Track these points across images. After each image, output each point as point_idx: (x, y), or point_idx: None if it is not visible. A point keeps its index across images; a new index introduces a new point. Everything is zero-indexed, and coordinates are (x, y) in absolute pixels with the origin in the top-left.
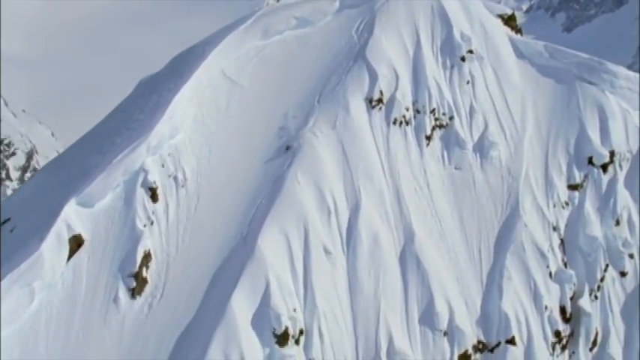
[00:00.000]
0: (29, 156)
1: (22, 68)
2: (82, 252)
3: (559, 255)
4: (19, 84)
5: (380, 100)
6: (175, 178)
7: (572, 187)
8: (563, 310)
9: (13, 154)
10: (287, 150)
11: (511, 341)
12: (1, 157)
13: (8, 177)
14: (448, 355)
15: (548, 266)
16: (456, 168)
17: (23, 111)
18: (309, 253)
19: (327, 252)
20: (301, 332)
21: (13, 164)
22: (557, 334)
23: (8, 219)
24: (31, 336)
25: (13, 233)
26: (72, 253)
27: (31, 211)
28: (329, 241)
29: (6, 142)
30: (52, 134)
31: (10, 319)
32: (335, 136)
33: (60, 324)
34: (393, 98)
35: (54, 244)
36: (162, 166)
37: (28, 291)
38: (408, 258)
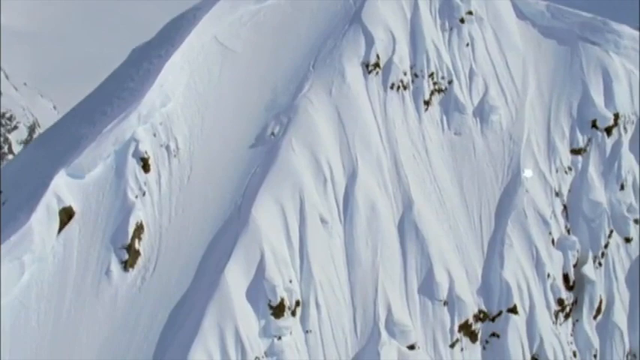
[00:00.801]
0: (31, 130)
1: (23, 41)
2: (72, 224)
3: (562, 221)
4: (21, 57)
5: (377, 65)
6: (167, 148)
7: (575, 152)
8: (566, 277)
9: (15, 127)
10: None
11: (513, 310)
12: (3, 131)
13: (11, 151)
14: (448, 325)
15: (550, 233)
16: (455, 133)
17: (25, 84)
18: (305, 222)
19: (323, 221)
20: (297, 303)
21: (16, 138)
22: (560, 302)
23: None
24: (22, 311)
25: (6, 206)
26: (62, 225)
27: (21, 184)
28: (325, 210)
29: (7, 115)
30: (54, 107)
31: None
32: (330, 102)
33: (51, 298)
34: (390, 62)
35: (44, 217)
36: (154, 135)
37: (18, 265)
38: (407, 226)
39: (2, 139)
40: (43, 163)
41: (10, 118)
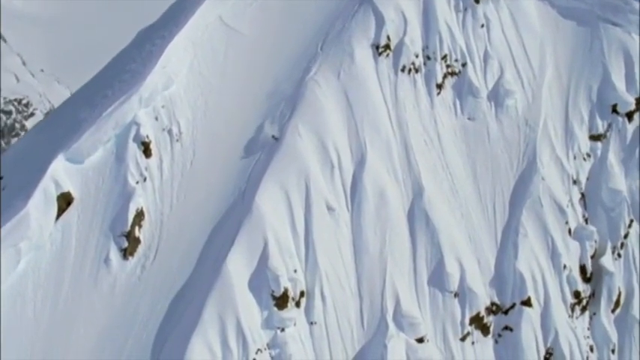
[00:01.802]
0: (48, 116)
1: (41, 27)
2: (71, 210)
3: (579, 210)
4: (38, 43)
5: (387, 47)
6: (170, 132)
7: (595, 138)
8: (583, 269)
9: (32, 114)
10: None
11: (527, 302)
12: (20, 117)
13: None
14: (459, 318)
15: (567, 222)
16: (469, 118)
17: (42, 70)
18: (311, 210)
19: (329, 209)
20: (302, 294)
21: (32, 124)
22: (577, 294)
23: (0, 177)
24: (18, 299)
25: (5, 192)
26: (60, 212)
27: (19, 169)
28: (332, 198)
29: (24, 102)
30: (71, 94)
31: None
32: (339, 85)
33: (48, 287)
34: (401, 44)
35: (41, 203)
36: (156, 119)
37: (14, 252)
38: (417, 215)
39: (19, 125)
40: (42, 148)
41: (26, 105)
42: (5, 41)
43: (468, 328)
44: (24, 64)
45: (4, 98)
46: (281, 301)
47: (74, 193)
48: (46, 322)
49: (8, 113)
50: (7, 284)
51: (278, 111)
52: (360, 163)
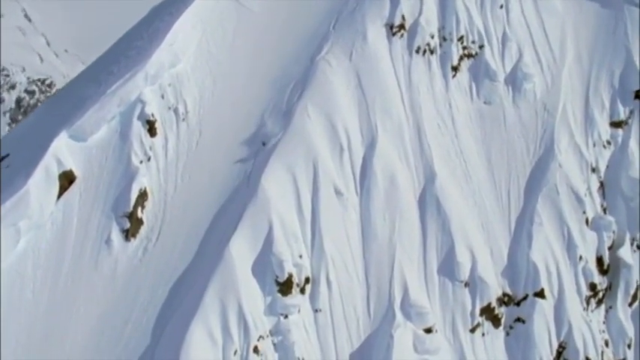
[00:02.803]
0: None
1: (66, 7)
2: (73, 189)
3: (597, 199)
4: (62, 24)
5: (402, 27)
6: (176, 111)
7: (616, 125)
8: (600, 260)
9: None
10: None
11: (540, 294)
12: (43, 97)
13: None
14: (469, 309)
15: (584, 212)
16: (485, 102)
17: (66, 51)
18: (318, 194)
19: (338, 193)
20: (307, 280)
21: None
22: (593, 287)
23: (7, 155)
24: (17, 280)
25: (9, 169)
26: (62, 190)
27: (24, 146)
28: (340, 181)
29: (48, 82)
30: None
31: None
32: (350, 66)
33: (48, 267)
34: (416, 24)
35: (42, 181)
36: (162, 97)
37: (14, 231)
38: (428, 201)
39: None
40: (46, 126)
41: (50, 85)
42: (30, 21)
43: (479, 319)
44: (48, 44)
45: (28, 78)
46: (285, 287)
47: (76, 172)
48: (45, 303)
49: (31, 93)
50: (7, 264)
51: (287, 92)
52: (370, 147)
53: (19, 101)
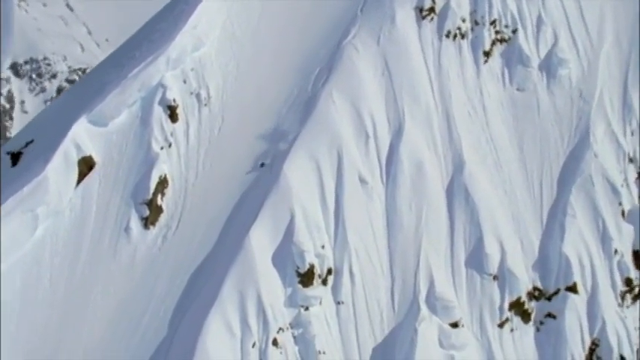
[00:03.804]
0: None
1: None
2: (92, 176)
3: (635, 191)
4: (103, 13)
5: (432, 10)
6: (198, 96)
7: None
8: (636, 254)
9: None
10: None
11: (572, 289)
12: None
13: None
14: (498, 303)
15: (620, 203)
16: (517, 89)
17: (107, 40)
18: (342, 182)
19: (362, 181)
20: (329, 272)
21: None
22: (628, 282)
23: (31, 140)
24: (34, 267)
25: (30, 155)
26: (81, 177)
27: (46, 132)
28: (365, 170)
29: (88, 71)
30: None
31: (11, 248)
32: (378, 51)
33: (66, 255)
34: (447, 7)
35: (61, 167)
36: (184, 82)
37: (31, 217)
38: (456, 190)
39: None
40: (68, 111)
41: None
42: (72, 10)
43: (507, 314)
44: (89, 33)
45: (69, 67)
46: (306, 278)
47: (96, 158)
48: (62, 291)
49: (72, 82)
50: (24, 251)
51: (312, 77)
52: (397, 134)
53: (60, 90)
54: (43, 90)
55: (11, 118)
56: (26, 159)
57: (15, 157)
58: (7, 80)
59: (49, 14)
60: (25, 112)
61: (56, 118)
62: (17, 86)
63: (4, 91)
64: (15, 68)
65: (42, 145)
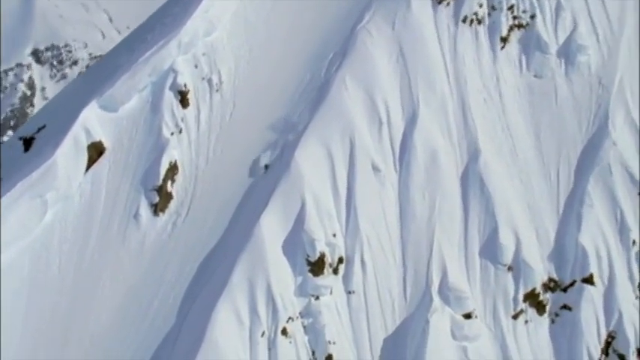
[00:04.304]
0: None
1: None
2: (102, 161)
3: None
4: (124, 0)
5: None
6: (209, 81)
7: None
8: None
9: None
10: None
11: (589, 280)
12: None
13: None
14: (512, 294)
15: (639, 193)
16: (535, 76)
17: (127, 28)
18: (355, 169)
19: (375, 169)
20: (340, 260)
21: None
22: None
23: (44, 126)
24: (43, 253)
25: (41, 140)
26: (91, 162)
27: (57, 117)
28: (378, 157)
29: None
30: None
31: (20, 233)
32: (393, 36)
33: (75, 241)
34: None
35: (70, 152)
36: (195, 66)
37: (40, 203)
38: (471, 179)
39: None
40: (78, 96)
41: None
42: None
43: (522, 306)
44: (110, 20)
45: (90, 54)
46: (317, 266)
47: (106, 143)
48: (71, 278)
49: None
50: (33, 236)
51: (325, 63)
52: (411, 121)
53: None
54: (64, 77)
55: (32, 105)
56: (38, 144)
57: (27, 143)
58: (29, 67)
59: (71, 1)
60: (46, 98)
61: (67, 103)
62: (38, 73)
63: (26, 78)
64: (36, 55)
65: (53, 131)
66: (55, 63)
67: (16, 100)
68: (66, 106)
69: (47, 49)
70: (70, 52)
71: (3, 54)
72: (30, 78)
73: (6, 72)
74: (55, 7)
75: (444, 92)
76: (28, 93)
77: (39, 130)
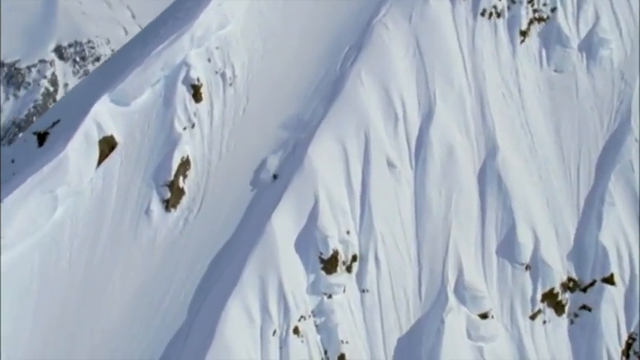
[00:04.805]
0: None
1: None
2: (113, 156)
3: None
4: None
5: None
6: (223, 75)
7: None
8: None
9: None
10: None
11: (609, 280)
12: None
13: None
14: (530, 294)
15: None
16: (555, 70)
17: None
18: (369, 165)
19: (390, 165)
20: (354, 258)
21: None
22: None
23: (58, 120)
24: (53, 249)
25: (53, 135)
26: (102, 157)
27: (70, 112)
28: (394, 153)
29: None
30: None
31: (30, 229)
32: (409, 29)
33: (86, 237)
34: None
35: (82, 146)
36: (209, 60)
37: (51, 198)
38: (489, 175)
39: None
40: (91, 90)
41: None
42: None
43: (540, 306)
44: (133, 17)
45: (112, 50)
46: (330, 264)
47: (118, 138)
48: (81, 274)
49: None
50: (43, 232)
51: (341, 57)
52: (427, 116)
53: None
54: (86, 73)
55: (55, 101)
56: (51, 139)
57: (42, 138)
58: (51, 63)
59: None
60: None
61: (81, 98)
62: (61, 69)
63: (49, 74)
64: (59, 51)
65: (66, 125)
66: (77, 59)
67: (39, 97)
68: (80, 101)
69: (70, 46)
70: (92, 48)
71: (27, 51)
72: (53, 74)
73: (29, 68)
74: (78, 4)
75: (462, 87)
76: (51, 89)
77: (53, 124)
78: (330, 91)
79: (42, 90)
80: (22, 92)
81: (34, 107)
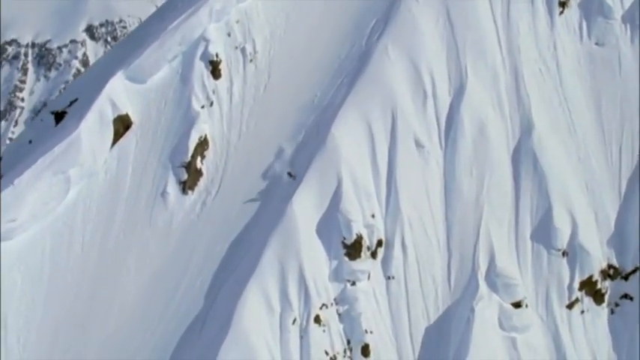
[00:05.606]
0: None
1: None
2: (129, 136)
3: None
4: None
5: None
6: (243, 51)
7: None
8: None
9: None
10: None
11: None
12: None
13: None
14: (567, 282)
15: None
16: (597, 43)
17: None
18: (396, 145)
19: (418, 145)
20: (379, 243)
21: None
22: None
23: (76, 99)
24: (66, 233)
25: (68, 115)
26: (117, 136)
27: (89, 89)
28: (422, 132)
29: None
30: None
31: (41, 212)
32: (440, 0)
33: (99, 221)
34: None
35: (95, 126)
36: (228, 35)
37: (63, 179)
38: (523, 156)
39: None
40: (108, 67)
41: None
42: None
43: (578, 294)
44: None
45: None
46: (353, 249)
47: (133, 117)
48: (94, 259)
49: None
50: (55, 215)
51: (367, 30)
52: (458, 93)
53: None
54: None
55: None
56: (68, 118)
57: (59, 117)
58: (83, 43)
59: None
60: None
61: (98, 75)
62: (92, 49)
63: (80, 54)
64: (90, 31)
65: (83, 104)
66: (109, 39)
67: (70, 77)
68: (96, 78)
69: (101, 25)
70: (124, 27)
71: (57, 31)
72: (84, 55)
73: (60, 49)
74: None
75: (495, 62)
76: (82, 70)
77: (71, 103)
78: (355, 67)
79: (73, 71)
80: (52, 73)
81: (65, 88)
